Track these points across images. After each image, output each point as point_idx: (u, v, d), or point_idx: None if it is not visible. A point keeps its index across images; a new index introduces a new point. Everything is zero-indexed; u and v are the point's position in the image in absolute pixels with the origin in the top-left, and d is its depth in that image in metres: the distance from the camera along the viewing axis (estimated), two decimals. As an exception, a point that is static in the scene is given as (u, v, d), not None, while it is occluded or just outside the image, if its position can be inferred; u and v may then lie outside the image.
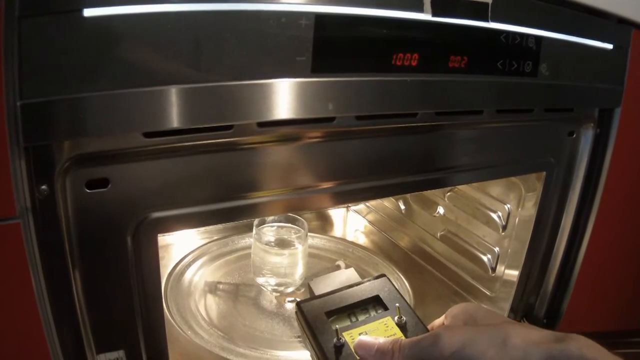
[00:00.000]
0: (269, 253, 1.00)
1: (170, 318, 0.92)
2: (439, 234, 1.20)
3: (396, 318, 0.65)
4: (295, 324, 0.96)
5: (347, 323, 0.66)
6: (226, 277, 1.11)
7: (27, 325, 0.57)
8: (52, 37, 0.47)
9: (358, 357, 0.61)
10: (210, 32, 0.52)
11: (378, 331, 0.65)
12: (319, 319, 0.66)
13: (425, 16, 0.63)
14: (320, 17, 0.56)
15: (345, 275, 0.75)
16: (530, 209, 0.95)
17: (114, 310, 0.62)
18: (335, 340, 0.63)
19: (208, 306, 1.00)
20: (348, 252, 1.25)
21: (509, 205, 1.01)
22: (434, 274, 1.19)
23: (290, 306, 1.02)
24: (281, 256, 1.00)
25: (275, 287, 1.03)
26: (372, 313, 0.68)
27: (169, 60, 0.52)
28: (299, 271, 1.03)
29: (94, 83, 0.50)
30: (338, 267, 1.16)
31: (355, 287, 0.71)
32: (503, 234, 1.02)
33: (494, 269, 1.06)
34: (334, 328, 0.65)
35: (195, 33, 0.52)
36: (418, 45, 0.64)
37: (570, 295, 1.06)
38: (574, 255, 1.03)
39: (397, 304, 0.67)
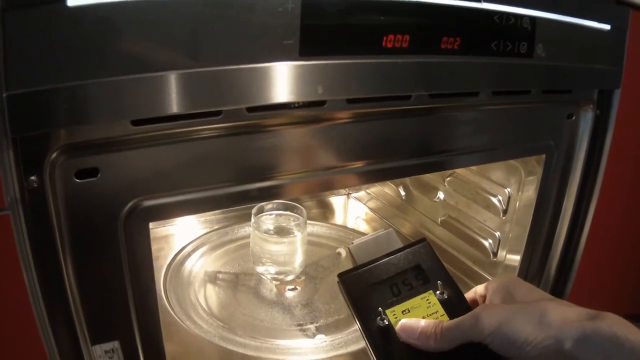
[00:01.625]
0: (268, 241, 1.00)
1: (169, 308, 0.92)
2: (439, 220, 1.19)
3: (438, 293, 0.66)
4: (295, 312, 0.96)
5: (390, 297, 0.66)
6: (226, 267, 1.11)
7: (20, 318, 0.57)
8: (37, 28, 0.47)
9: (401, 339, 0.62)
10: (195, 17, 0.52)
11: (420, 308, 0.65)
12: (362, 294, 0.66)
13: (416, -4, 0.63)
14: (307, 0, 0.56)
15: (386, 237, 0.74)
16: (530, 193, 0.95)
17: (108, 300, 0.61)
18: (379, 320, 0.64)
19: (208, 296, 1.00)
20: (349, 239, 1.24)
21: (509, 189, 1.00)
22: (435, 260, 1.19)
23: (290, 294, 1.02)
24: (280, 244, 1.00)
25: (275, 276, 1.03)
26: (414, 285, 0.67)
27: (154, 48, 0.52)
28: (299, 259, 1.03)
29: (79, 72, 0.49)
30: (339, 255, 1.16)
31: (396, 255, 0.70)
32: (504, 218, 1.02)
33: (495, 254, 1.05)
34: (377, 307, 0.65)
35: (180, 19, 0.51)
36: (409, 26, 0.63)
37: (572, 280, 1.06)
38: (576, 239, 1.03)
39: (438, 280, 0.67)
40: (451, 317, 0.62)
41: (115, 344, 0.63)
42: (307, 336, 0.90)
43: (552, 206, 0.97)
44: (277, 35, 0.56)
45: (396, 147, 0.74)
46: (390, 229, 0.76)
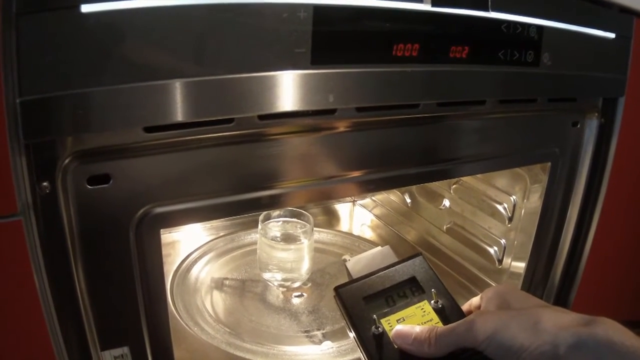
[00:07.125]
0: (274, 248, 1.00)
1: (176, 314, 0.92)
2: (445, 227, 1.19)
3: (432, 302, 0.66)
4: (302, 318, 0.96)
5: (385, 308, 0.66)
6: (232, 273, 1.11)
7: (31, 323, 0.58)
8: (50, 34, 0.47)
9: (396, 346, 0.62)
10: (208, 25, 0.52)
11: (415, 317, 0.65)
12: (357, 305, 0.66)
13: (425, 6, 0.63)
14: (318, 9, 0.56)
15: (381, 253, 0.74)
16: (536, 201, 0.95)
17: (118, 306, 0.62)
18: (373, 328, 0.64)
19: (214, 302, 1.01)
20: (355, 246, 1.25)
21: (514, 197, 1.00)
22: (440, 266, 1.19)
23: (296, 301, 1.02)
24: (287, 251, 1.00)
25: (282, 283, 1.03)
26: (409, 295, 0.67)
27: (167, 55, 0.52)
28: (305, 266, 1.03)
29: (93, 79, 0.50)
30: (345, 261, 1.16)
31: (391, 269, 0.70)
32: (509, 225, 1.02)
33: (500, 261, 1.05)
34: (372, 315, 0.65)
35: (193, 27, 0.52)
36: (418, 35, 0.64)
37: (577, 287, 1.06)
38: (581, 247, 1.03)
39: (433, 289, 0.67)
40: (446, 324, 0.62)
41: (125, 350, 0.63)
42: (314, 342, 0.90)
43: (557, 213, 0.98)
44: (289, 44, 0.56)
45: (402, 155, 0.74)
46: (387, 246, 0.76)
